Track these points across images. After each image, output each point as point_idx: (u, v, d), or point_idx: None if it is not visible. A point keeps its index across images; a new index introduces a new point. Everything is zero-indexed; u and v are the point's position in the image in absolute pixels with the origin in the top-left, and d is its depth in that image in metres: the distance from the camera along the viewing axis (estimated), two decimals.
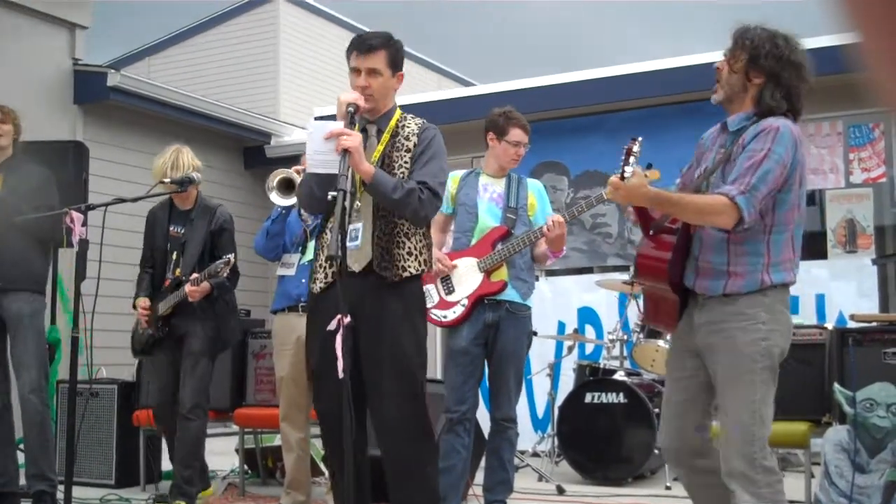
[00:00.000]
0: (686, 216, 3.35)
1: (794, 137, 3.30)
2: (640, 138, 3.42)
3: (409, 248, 3.80)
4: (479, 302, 5.01)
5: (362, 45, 3.80)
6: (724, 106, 3.49)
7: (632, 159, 3.32)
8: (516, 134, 5.13)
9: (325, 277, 3.81)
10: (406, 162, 3.83)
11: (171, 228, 5.65)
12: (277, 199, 5.39)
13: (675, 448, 3.56)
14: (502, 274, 5.02)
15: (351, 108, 3.61)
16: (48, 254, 5.78)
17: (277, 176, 5.40)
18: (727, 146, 3.42)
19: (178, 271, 5.57)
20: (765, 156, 3.24)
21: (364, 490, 3.74)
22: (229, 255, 5.40)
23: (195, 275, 5.39)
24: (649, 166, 4.46)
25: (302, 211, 5.42)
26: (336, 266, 3.34)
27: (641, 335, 7.12)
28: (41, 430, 5.65)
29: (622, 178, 3.28)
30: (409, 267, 3.79)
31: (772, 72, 3.34)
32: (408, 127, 3.91)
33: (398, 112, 3.94)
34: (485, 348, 5.04)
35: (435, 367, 8.64)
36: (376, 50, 3.79)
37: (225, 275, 5.44)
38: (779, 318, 3.36)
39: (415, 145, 3.86)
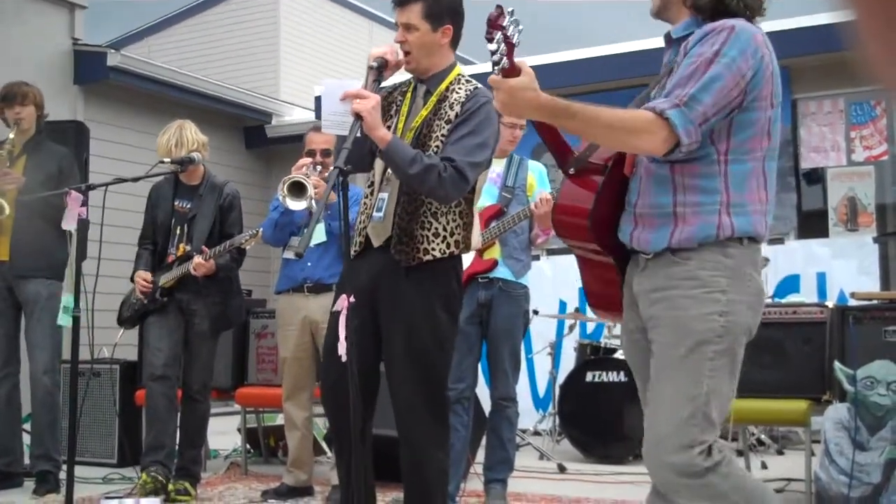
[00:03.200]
0: (594, 134, 2.55)
1: (757, 41, 2.54)
2: (510, 9, 2.44)
3: (437, 228, 3.52)
4: (472, 280, 5.01)
5: None
6: (663, 17, 2.79)
7: (506, 35, 2.42)
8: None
9: (358, 245, 3.63)
10: (444, 133, 3.52)
11: (177, 203, 5.61)
12: (293, 204, 5.24)
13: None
14: (494, 252, 5.03)
15: (375, 63, 3.39)
16: (67, 239, 5.78)
17: (286, 183, 5.27)
18: (669, 61, 2.72)
19: (182, 246, 5.53)
20: (711, 60, 2.49)
21: (367, 468, 3.72)
22: (258, 229, 5.38)
23: (205, 248, 5.34)
24: None
25: None
26: (344, 247, 3.21)
27: None
28: (50, 410, 5.68)
29: (502, 69, 2.44)
30: (433, 249, 3.50)
31: None
32: (457, 92, 3.55)
33: (455, 73, 3.61)
34: (480, 327, 5.05)
35: None
36: (410, 2, 3.49)
37: (250, 247, 5.41)
38: (745, 284, 2.59)
39: (456, 115, 3.51)
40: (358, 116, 3.21)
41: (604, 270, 2.81)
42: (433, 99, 3.58)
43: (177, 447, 5.57)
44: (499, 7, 2.41)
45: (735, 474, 2.57)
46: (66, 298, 4.70)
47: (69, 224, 4.56)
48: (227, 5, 16.51)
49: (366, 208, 3.65)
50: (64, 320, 4.69)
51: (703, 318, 2.53)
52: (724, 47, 2.48)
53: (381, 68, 3.40)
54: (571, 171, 2.74)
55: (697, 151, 2.51)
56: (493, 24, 2.40)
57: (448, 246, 3.54)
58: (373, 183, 3.66)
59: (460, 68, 3.70)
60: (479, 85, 3.56)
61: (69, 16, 10.18)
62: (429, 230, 3.52)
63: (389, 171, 3.55)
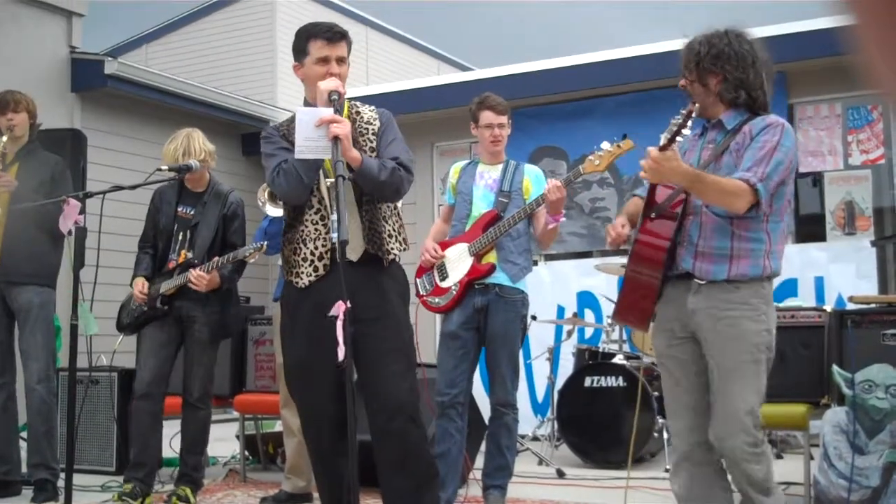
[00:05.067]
0: (708, 195, 3.42)
1: (795, 137, 3.52)
2: (697, 105, 3.46)
3: (389, 230, 3.82)
4: (470, 286, 5.02)
5: (333, 33, 3.80)
6: (703, 116, 3.64)
7: (685, 132, 3.37)
8: (486, 117, 5.19)
9: (315, 271, 3.75)
10: (373, 145, 3.85)
11: (180, 209, 5.61)
12: (272, 210, 5.37)
13: (696, 442, 3.59)
14: (491, 257, 5.04)
15: (334, 96, 3.62)
16: (60, 246, 5.78)
17: (267, 189, 5.38)
18: (718, 142, 3.58)
19: (183, 252, 5.53)
20: (775, 147, 3.41)
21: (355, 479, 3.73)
22: (262, 243, 5.38)
23: (217, 258, 5.36)
24: (624, 137, 4.51)
25: None
26: (339, 252, 3.29)
27: None
28: (46, 419, 5.66)
29: (664, 148, 3.33)
30: (393, 249, 3.81)
31: (715, 70, 3.54)
32: (364, 113, 3.93)
33: (347, 101, 3.92)
34: (477, 333, 5.05)
35: (434, 352, 8.65)
36: (343, 39, 3.84)
37: (253, 260, 5.42)
38: (772, 308, 3.57)
39: (378, 128, 3.89)
40: (336, 139, 3.46)
41: (644, 291, 3.65)
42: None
43: (168, 456, 5.56)
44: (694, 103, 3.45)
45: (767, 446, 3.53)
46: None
47: (64, 228, 4.56)
48: (224, 13, 16.53)
49: (323, 232, 3.77)
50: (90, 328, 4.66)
51: (758, 333, 3.45)
52: (782, 139, 3.43)
53: (338, 99, 3.64)
54: (653, 215, 3.61)
55: (750, 211, 3.40)
56: (689, 115, 3.37)
57: (400, 245, 3.88)
58: (320, 209, 3.80)
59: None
60: (374, 105, 4.06)
61: (66, 24, 10.18)
62: (384, 232, 3.80)
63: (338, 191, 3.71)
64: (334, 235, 3.66)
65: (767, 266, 3.47)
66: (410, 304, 4.02)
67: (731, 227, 3.47)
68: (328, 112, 3.50)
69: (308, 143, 3.49)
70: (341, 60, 3.81)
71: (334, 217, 3.69)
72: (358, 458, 3.79)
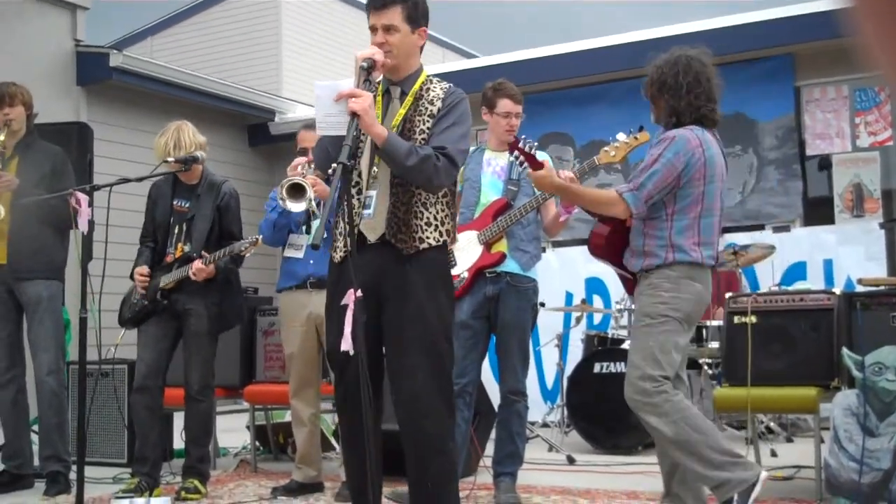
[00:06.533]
0: (580, 203, 4.24)
1: (690, 144, 3.99)
2: (523, 136, 4.31)
3: (428, 217, 3.63)
4: (480, 274, 5.00)
5: (377, 0, 3.64)
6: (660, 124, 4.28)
7: (525, 165, 4.15)
8: (504, 105, 5.12)
9: (345, 245, 3.60)
10: (428, 127, 3.66)
11: (175, 202, 5.59)
12: (293, 206, 5.27)
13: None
14: (502, 246, 5.01)
15: (365, 64, 3.44)
16: (65, 239, 5.79)
17: (285, 186, 5.29)
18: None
19: (180, 246, 5.52)
20: (655, 160, 3.97)
21: (378, 464, 3.69)
22: (257, 237, 5.36)
23: (205, 253, 5.36)
24: (641, 129, 4.53)
25: None
26: (347, 240, 3.21)
27: None
28: (57, 411, 5.67)
29: (532, 167, 4.09)
30: (428, 238, 3.62)
31: (658, 97, 4.15)
32: (433, 91, 3.72)
33: (424, 75, 3.77)
34: (487, 321, 5.04)
35: None
36: (391, 5, 3.61)
37: (249, 254, 5.40)
38: (684, 287, 4.04)
39: (438, 110, 3.67)
40: (354, 115, 3.29)
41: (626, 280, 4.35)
42: (409, 98, 3.70)
43: (179, 448, 5.56)
44: (516, 138, 4.28)
45: (677, 401, 3.91)
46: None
47: (82, 226, 4.56)
48: (229, 3, 16.49)
49: (357, 207, 3.64)
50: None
51: (651, 304, 4.05)
52: (665, 151, 3.99)
53: (370, 69, 3.47)
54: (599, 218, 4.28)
55: (654, 213, 4.06)
56: (514, 147, 4.23)
57: (440, 234, 3.67)
58: (357, 183, 3.67)
59: (426, 72, 3.84)
60: (451, 84, 3.81)
61: (71, 17, 10.19)
62: (421, 219, 3.62)
63: (375, 169, 3.62)
64: (366, 212, 3.63)
65: (669, 256, 4.02)
66: None
67: (644, 228, 4.10)
68: (347, 85, 3.35)
69: (328, 119, 3.33)
70: (390, 28, 3.61)
71: (367, 193, 3.64)
72: (386, 447, 3.77)
